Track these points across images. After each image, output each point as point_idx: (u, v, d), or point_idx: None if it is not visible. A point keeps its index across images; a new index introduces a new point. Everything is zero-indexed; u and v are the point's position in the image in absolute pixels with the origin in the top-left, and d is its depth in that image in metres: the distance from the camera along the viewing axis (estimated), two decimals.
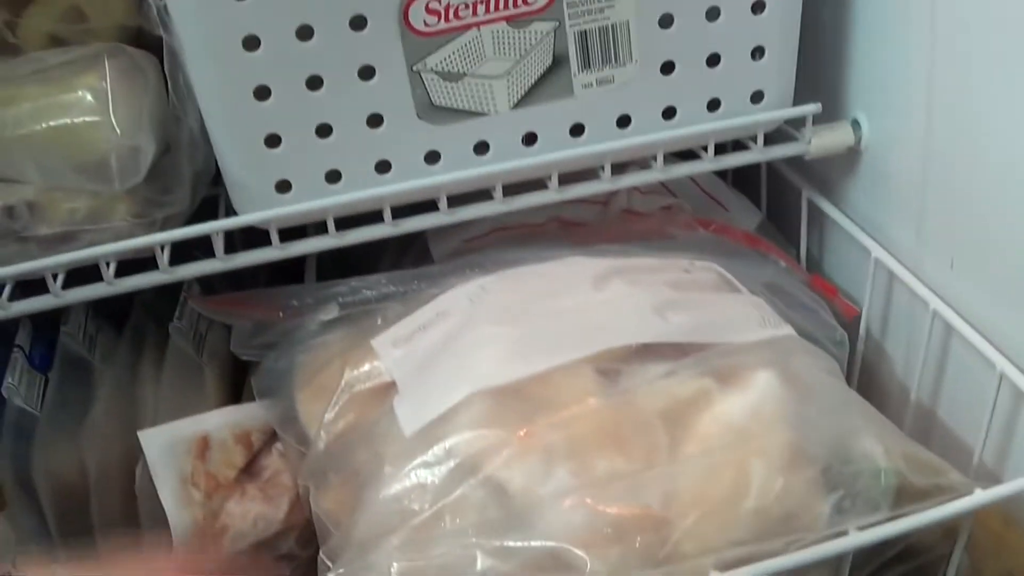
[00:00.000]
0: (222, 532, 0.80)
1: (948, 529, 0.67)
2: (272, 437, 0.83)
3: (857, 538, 0.62)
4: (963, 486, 0.65)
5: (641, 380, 0.68)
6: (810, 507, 0.63)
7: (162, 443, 0.80)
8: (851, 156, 0.91)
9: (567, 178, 0.85)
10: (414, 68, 0.78)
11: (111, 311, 0.96)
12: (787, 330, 0.75)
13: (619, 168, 0.85)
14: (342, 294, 0.82)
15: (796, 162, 0.97)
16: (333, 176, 0.80)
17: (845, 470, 0.64)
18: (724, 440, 0.65)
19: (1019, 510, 0.70)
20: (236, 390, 0.91)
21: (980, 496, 0.64)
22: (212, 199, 0.87)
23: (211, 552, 0.77)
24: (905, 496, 0.64)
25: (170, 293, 0.92)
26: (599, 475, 0.63)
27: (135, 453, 0.80)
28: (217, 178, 0.83)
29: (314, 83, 0.76)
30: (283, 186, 0.80)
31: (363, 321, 0.79)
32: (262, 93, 0.76)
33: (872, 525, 0.62)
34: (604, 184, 0.85)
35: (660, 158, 0.85)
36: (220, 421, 0.83)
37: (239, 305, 0.85)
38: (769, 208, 1.05)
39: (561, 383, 0.68)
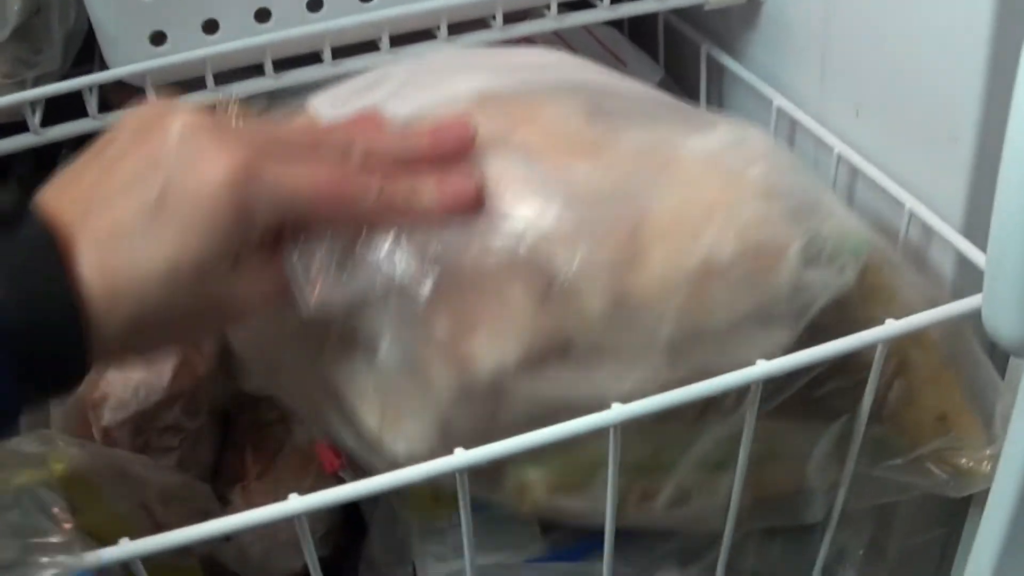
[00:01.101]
0: (101, 401, 0.77)
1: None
2: None
3: (765, 368, 0.59)
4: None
5: (622, 118, 0.65)
6: (780, 240, 0.61)
7: None
8: (751, 8, 0.89)
9: (457, 28, 0.82)
10: None
11: None
12: None
13: (512, 17, 0.82)
14: None
15: (693, 18, 0.95)
16: (210, 26, 0.76)
17: (816, 214, 0.62)
18: (703, 168, 0.63)
19: (953, 351, 0.69)
20: None
21: (893, 326, 0.62)
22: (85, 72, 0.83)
23: None
24: (863, 288, 0.63)
25: (47, 168, 0.88)
26: (577, 177, 0.61)
27: None
28: (88, 54, 0.80)
29: None
30: (158, 38, 0.76)
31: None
32: None
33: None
34: (495, 33, 0.82)
35: (554, 6, 0.82)
36: None
37: None
38: (667, 67, 1.03)
39: (548, 107, 0.65)
